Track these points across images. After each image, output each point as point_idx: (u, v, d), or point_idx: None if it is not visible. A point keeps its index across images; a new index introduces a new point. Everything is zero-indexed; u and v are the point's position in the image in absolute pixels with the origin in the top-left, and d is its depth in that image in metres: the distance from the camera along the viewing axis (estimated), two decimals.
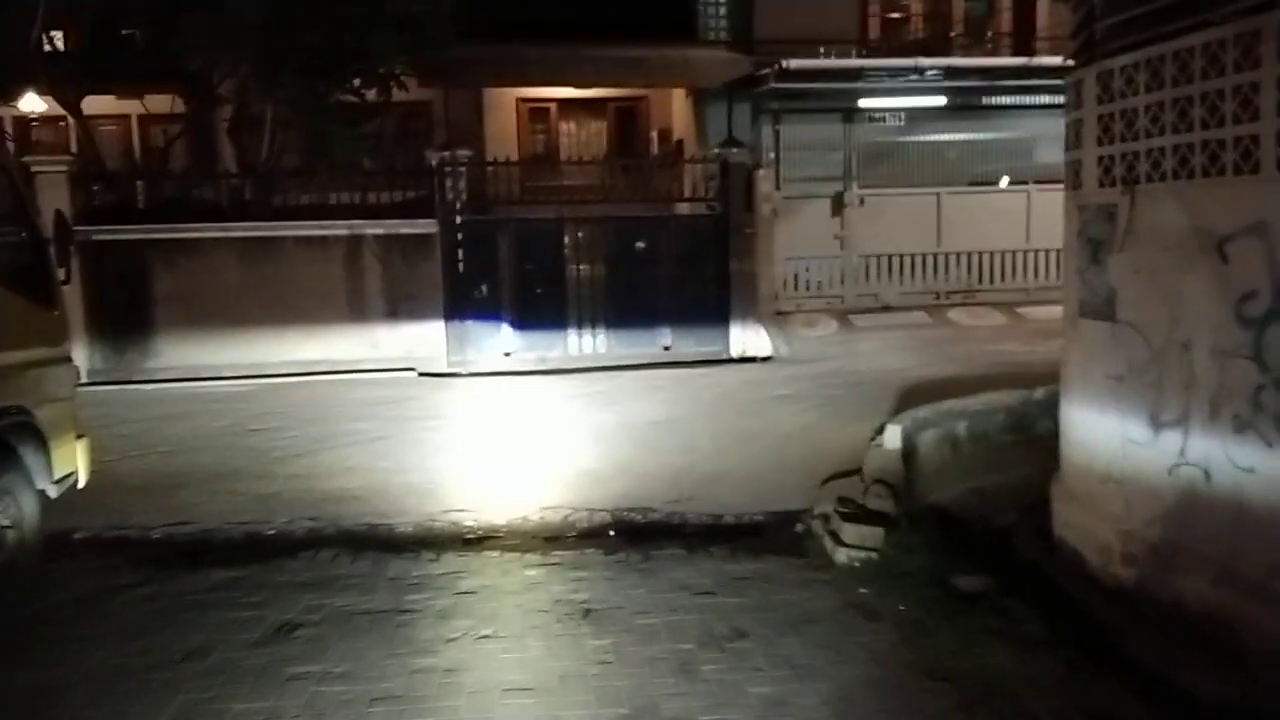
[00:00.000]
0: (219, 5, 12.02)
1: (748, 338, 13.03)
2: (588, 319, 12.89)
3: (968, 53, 16.91)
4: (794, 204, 15.00)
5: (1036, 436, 7.26)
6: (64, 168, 12.23)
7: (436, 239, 12.69)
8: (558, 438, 8.82)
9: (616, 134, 20.52)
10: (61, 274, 6.17)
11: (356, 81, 13.51)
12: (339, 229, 12.71)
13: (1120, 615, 4.78)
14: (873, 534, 5.51)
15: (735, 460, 7.93)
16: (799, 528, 6.21)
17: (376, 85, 13.63)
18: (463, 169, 12.77)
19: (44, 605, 5.25)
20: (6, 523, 5.31)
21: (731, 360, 12.74)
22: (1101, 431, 5.30)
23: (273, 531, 6.40)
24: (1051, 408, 6.29)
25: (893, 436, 6.86)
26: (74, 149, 14.60)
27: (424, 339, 12.60)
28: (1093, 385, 5.39)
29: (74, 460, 6.03)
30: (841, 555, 5.52)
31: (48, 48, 14.09)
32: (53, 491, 5.77)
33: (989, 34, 17.91)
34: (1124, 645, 4.48)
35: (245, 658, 4.54)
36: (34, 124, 17.64)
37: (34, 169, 11.52)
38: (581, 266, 13.02)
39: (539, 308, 12.80)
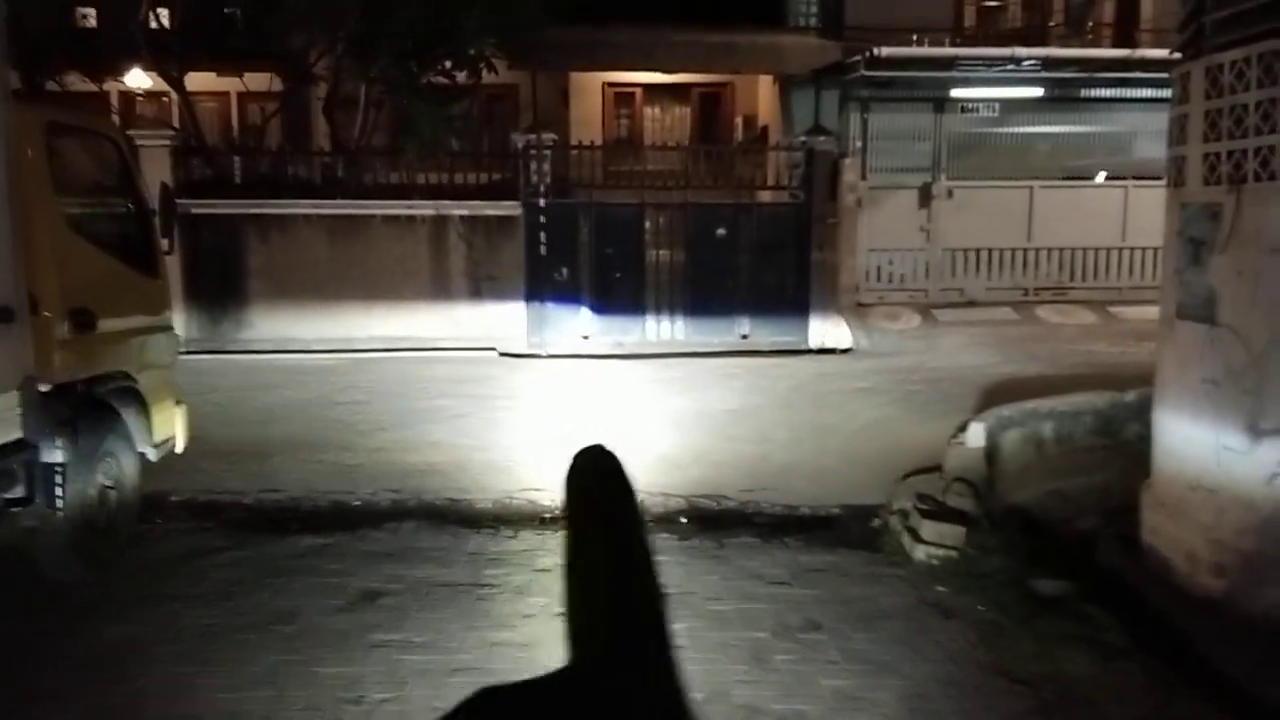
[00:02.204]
0: None
1: (827, 329, 12.91)
2: (666, 305, 12.92)
3: (1067, 43, 16.44)
4: (879, 194, 14.76)
5: (1125, 441, 7.07)
6: (167, 142, 12.69)
7: (520, 221, 12.84)
8: (633, 422, 8.87)
9: (701, 120, 20.47)
10: (165, 245, 6.41)
11: (448, 63, 13.71)
12: (425, 209, 12.94)
13: (1206, 626, 4.66)
14: (952, 532, 5.45)
15: (811, 452, 7.89)
16: (875, 522, 6.17)
17: (466, 67, 13.82)
18: (547, 152, 12.88)
19: (141, 563, 5.49)
20: (108, 483, 5.55)
21: (810, 351, 12.64)
22: (1195, 437, 5.15)
23: (357, 502, 6.59)
24: (1142, 411, 6.13)
25: (976, 434, 6.74)
26: (176, 124, 15.10)
27: (505, 319, 12.77)
28: (1187, 389, 5.23)
29: (173, 425, 6.27)
30: (919, 552, 5.47)
31: (153, 25, 14.55)
32: (152, 455, 6.00)
33: (1089, 24, 17.39)
34: (1209, 657, 4.36)
35: (330, 623, 4.70)
36: (139, 98, 18.29)
37: (139, 142, 11.93)
38: (661, 252, 13.03)
39: (618, 292, 12.87)
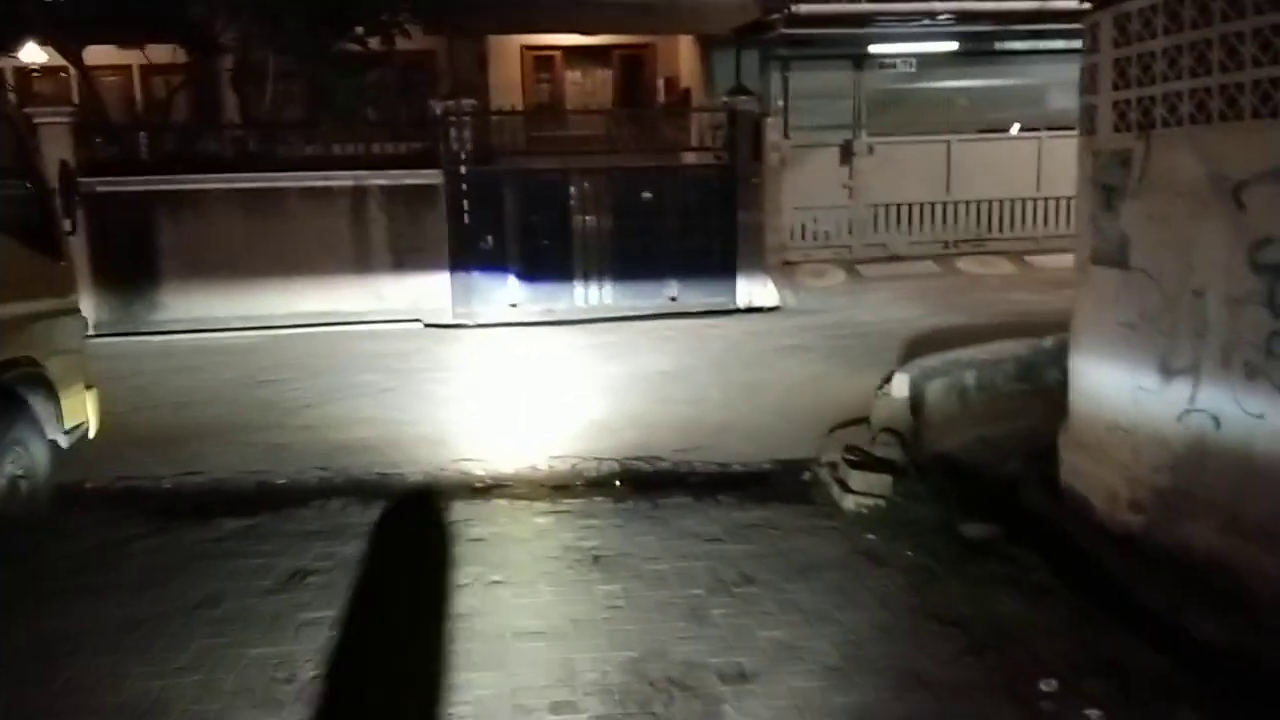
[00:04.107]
0: None
1: (754, 288, 12.98)
2: (594, 270, 12.85)
3: None
4: (802, 153, 14.84)
5: (1045, 386, 7.25)
6: (66, 119, 12.17)
7: (441, 190, 12.62)
8: (565, 388, 8.83)
9: (623, 83, 20.32)
10: (67, 225, 6.15)
11: (359, 30, 13.36)
12: (343, 180, 12.64)
13: (1127, 563, 4.81)
14: (880, 481, 5.52)
15: (742, 410, 7.94)
16: (806, 476, 6.23)
17: (379, 34, 13.48)
18: (467, 119, 12.66)
19: (56, 555, 5.28)
20: (19, 472, 5.35)
21: (738, 311, 12.71)
22: (1111, 379, 5.29)
23: (283, 481, 6.44)
24: (1060, 357, 6.28)
25: (900, 385, 6.85)
26: (76, 100, 14.49)
27: (429, 290, 12.58)
28: (1103, 333, 5.36)
29: (84, 411, 6.06)
30: (849, 503, 5.54)
31: None
32: (64, 441, 5.80)
33: None
34: (1131, 592, 4.50)
35: (258, 604, 4.58)
36: (35, 75, 17.50)
37: (36, 120, 11.42)
38: (587, 217, 12.94)
39: (545, 259, 12.76)
